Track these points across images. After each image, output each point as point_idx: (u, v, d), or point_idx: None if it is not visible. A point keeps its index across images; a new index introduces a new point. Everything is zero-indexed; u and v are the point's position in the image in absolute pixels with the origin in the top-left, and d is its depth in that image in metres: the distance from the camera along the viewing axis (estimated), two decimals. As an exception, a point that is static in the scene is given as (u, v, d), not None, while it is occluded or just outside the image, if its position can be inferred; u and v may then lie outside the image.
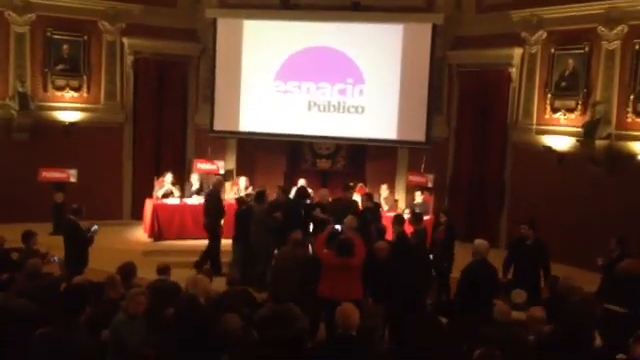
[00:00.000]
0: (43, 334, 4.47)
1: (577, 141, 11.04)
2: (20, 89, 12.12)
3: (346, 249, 6.94)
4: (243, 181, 12.40)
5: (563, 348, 5.37)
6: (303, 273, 7.42)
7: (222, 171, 13.30)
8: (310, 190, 11.78)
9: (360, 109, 13.10)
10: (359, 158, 14.06)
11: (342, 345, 4.61)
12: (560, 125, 11.60)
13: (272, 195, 10.67)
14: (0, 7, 12.12)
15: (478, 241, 7.70)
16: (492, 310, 5.93)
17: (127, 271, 6.50)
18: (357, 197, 11.13)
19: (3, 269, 6.92)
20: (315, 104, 13.21)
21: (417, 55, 12.76)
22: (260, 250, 9.58)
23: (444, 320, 6.82)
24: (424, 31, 12.75)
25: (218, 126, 13.39)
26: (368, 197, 10.55)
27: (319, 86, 13.18)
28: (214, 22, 13.24)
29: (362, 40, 12.97)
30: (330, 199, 10.66)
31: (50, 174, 11.74)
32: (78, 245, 8.67)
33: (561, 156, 11.43)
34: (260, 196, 10.09)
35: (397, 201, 12.84)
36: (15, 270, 6.93)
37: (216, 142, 13.53)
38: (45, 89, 12.66)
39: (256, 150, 13.96)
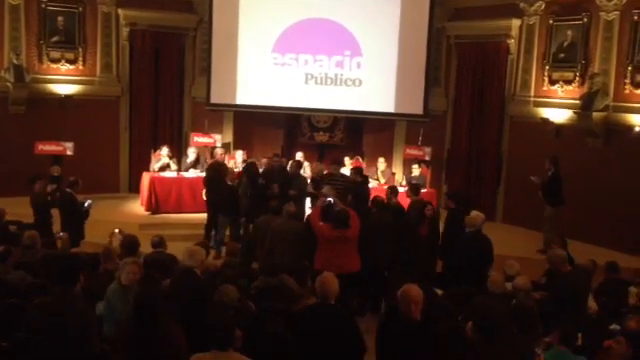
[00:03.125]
0: (39, 305, 4.50)
1: (575, 113, 11.01)
2: (15, 61, 12.01)
3: (342, 221, 6.94)
4: (240, 154, 12.38)
5: (554, 316, 5.41)
6: (298, 246, 7.44)
7: (219, 144, 13.27)
8: (306, 163, 11.86)
9: (357, 82, 13.02)
10: (357, 131, 14.02)
11: (321, 313, 4.66)
12: (558, 97, 11.57)
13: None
14: (-7, -22, 12.00)
15: (474, 213, 7.78)
16: (486, 281, 5.99)
17: (131, 244, 6.51)
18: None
19: (1, 242, 6.93)
20: (312, 77, 13.13)
21: (415, 27, 12.66)
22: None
23: (439, 291, 6.87)
24: (422, 2, 12.64)
25: (215, 99, 13.31)
26: (357, 171, 10.47)
27: (316, 58, 13.07)
28: (210, -7, 13.12)
29: (360, 12, 12.84)
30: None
31: (46, 147, 11.70)
32: (74, 218, 8.71)
33: (559, 128, 11.42)
34: (251, 169, 10.13)
35: (394, 174, 12.84)
36: (12, 243, 6.96)
37: (213, 115, 13.46)
38: (40, 61, 12.56)
39: (253, 123, 13.92)
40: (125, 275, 5.22)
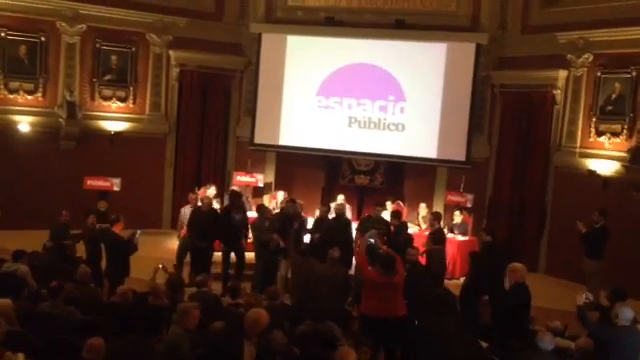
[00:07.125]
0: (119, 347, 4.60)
1: (622, 166, 10.88)
2: (69, 98, 12.44)
3: (389, 267, 6.92)
4: (281, 195, 12.45)
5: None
6: (343, 291, 7.44)
7: (261, 184, 13.43)
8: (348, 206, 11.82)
9: (400, 127, 13.09)
10: (398, 175, 13.99)
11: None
12: (605, 149, 11.43)
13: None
14: (52, 17, 12.48)
15: (515, 265, 7.61)
16: (534, 337, 5.88)
17: (176, 283, 6.58)
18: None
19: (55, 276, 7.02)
20: (355, 120, 13.26)
21: (460, 74, 12.71)
22: (259, 262, 9.86)
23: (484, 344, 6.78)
24: (468, 50, 12.70)
25: (259, 139, 13.53)
26: (395, 215, 10.46)
27: (360, 102, 13.22)
28: (259, 37, 13.44)
29: (405, 58, 12.97)
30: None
31: (95, 182, 11.99)
32: (119, 254, 8.82)
33: (605, 181, 11.26)
34: (260, 210, 10.24)
35: (435, 220, 12.75)
36: (65, 278, 7.08)
37: (256, 155, 13.67)
38: (92, 99, 12.99)
39: (295, 164, 14.04)
40: (188, 319, 5.24)
